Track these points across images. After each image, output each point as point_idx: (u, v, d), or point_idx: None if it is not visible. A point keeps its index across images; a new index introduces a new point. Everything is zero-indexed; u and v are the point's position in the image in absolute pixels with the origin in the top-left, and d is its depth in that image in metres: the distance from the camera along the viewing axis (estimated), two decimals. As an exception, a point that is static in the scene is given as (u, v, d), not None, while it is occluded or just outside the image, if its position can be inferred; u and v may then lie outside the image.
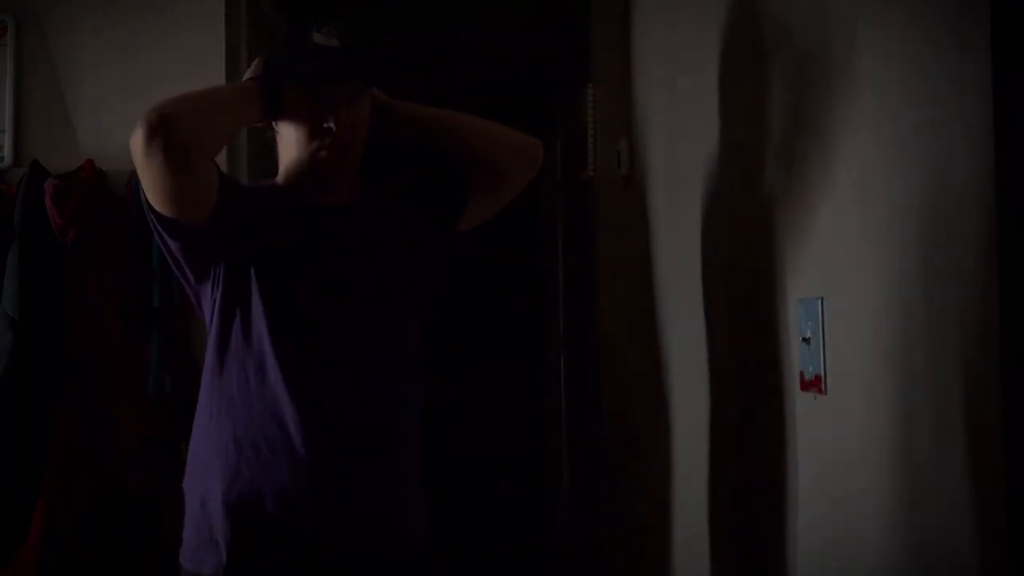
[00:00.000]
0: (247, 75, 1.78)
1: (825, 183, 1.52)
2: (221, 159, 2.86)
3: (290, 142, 1.76)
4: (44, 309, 2.63)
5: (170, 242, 1.64)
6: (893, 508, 1.33)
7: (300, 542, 1.66)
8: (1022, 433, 1.05)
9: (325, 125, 1.73)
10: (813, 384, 1.56)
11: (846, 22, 1.42)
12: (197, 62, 2.89)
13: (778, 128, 1.71)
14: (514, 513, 5.88)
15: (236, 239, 1.67)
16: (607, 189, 3.06)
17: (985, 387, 1.08)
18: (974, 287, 1.10)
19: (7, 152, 2.85)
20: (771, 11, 1.74)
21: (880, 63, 1.32)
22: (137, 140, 1.58)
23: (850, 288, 1.44)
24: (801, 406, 1.61)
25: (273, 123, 1.78)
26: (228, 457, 1.67)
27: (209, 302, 1.71)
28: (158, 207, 1.60)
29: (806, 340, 1.58)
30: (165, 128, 1.55)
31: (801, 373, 1.60)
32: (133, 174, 2.77)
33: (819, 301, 1.53)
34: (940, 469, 1.19)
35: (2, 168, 2.84)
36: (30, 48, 2.89)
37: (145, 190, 1.62)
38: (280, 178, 1.80)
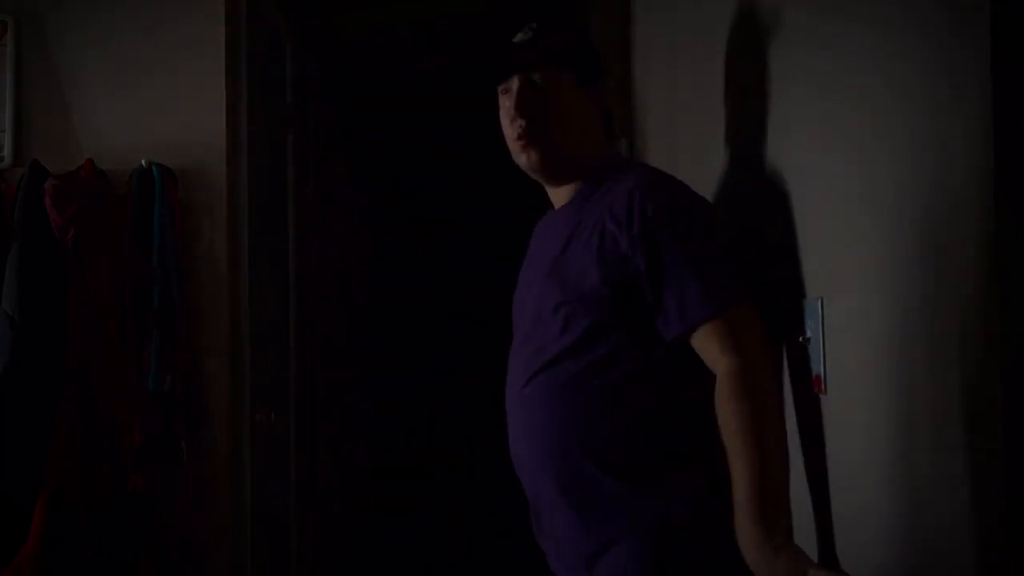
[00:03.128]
0: None
1: (826, 183, 1.52)
2: (220, 157, 2.86)
3: None
4: (44, 309, 2.63)
5: None
6: (893, 507, 1.33)
7: None
8: (1022, 433, 1.05)
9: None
10: (813, 384, 1.56)
11: (847, 23, 1.42)
12: (197, 61, 2.89)
13: (778, 129, 1.72)
14: (517, 507, 5.87)
15: None
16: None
17: (985, 387, 1.08)
18: (974, 287, 1.10)
19: (7, 152, 2.85)
20: (772, 12, 1.74)
21: (880, 63, 1.32)
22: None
23: (850, 288, 1.44)
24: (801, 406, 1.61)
25: None
26: None
27: None
28: None
29: (806, 340, 1.58)
30: None
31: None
32: (133, 173, 2.77)
33: (819, 301, 1.53)
34: (940, 468, 1.19)
35: (2, 168, 2.84)
36: (30, 48, 2.89)
37: None
38: None
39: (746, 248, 1.79)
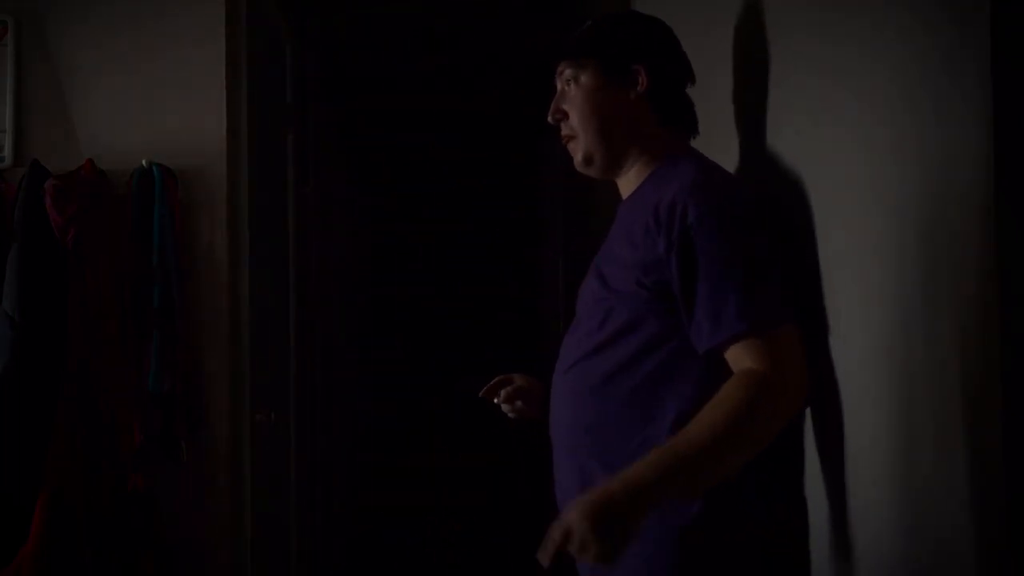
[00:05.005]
0: None
1: (825, 183, 1.52)
2: (220, 157, 2.86)
3: None
4: (44, 309, 2.63)
5: None
6: (893, 506, 1.33)
7: None
8: (1022, 433, 1.05)
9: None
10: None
11: (846, 22, 1.42)
12: (197, 61, 2.89)
13: (777, 129, 1.72)
14: (517, 507, 5.87)
15: None
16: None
17: (985, 387, 1.08)
18: (974, 287, 1.10)
19: (7, 152, 2.85)
20: (771, 13, 1.74)
21: (880, 63, 1.32)
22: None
23: (850, 288, 1.44)
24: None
25: None
26: None
27: None
28: None
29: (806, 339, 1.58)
30: None
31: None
32: (133, 174, 2.77)
33: (819, 301, 1.53)
34: (940, 468, 1.19)
35: (2, 168, 2.83)
36: (30, 48, 2.89)
37: None
38: None
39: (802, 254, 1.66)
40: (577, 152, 1.74)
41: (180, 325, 2.75)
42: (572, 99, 1.72)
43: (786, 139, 1.68)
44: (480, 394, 2.01)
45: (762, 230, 1.56)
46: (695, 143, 1.78)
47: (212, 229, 2.87)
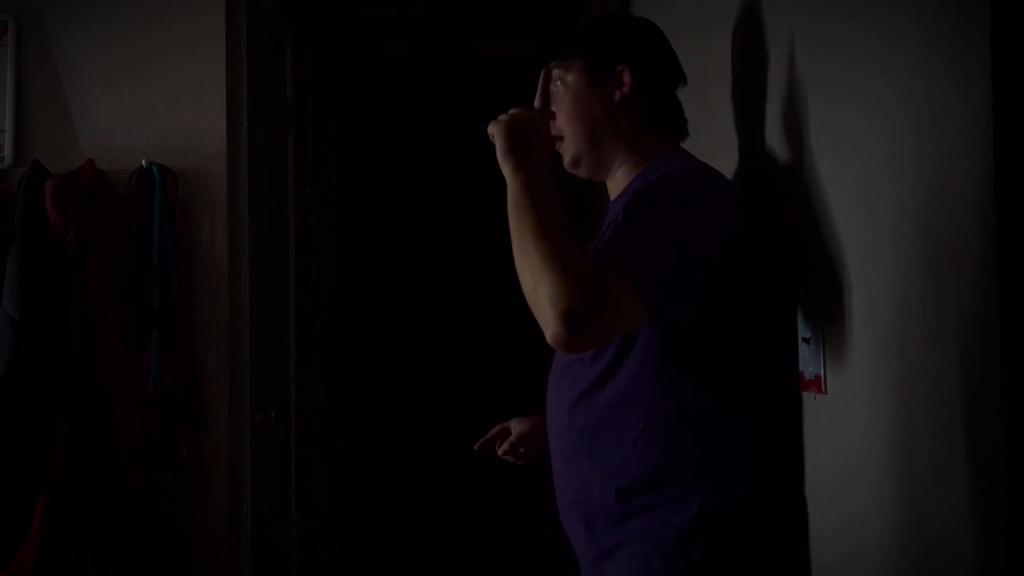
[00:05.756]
0: None
1: (825, 183, 1.52)
2: (220, 157, 2.86)
3: None
4: (44, 309, 2.63)
5: None
6: (893, 506, 1.33)
7: None
8: (1022, 433, 1.05)
9: None
10: (813, 384, 1.56)
11: (845, 23, 1.42)
12: (197, 61, 2.89)
13: (777, 129, 1.72)
14: (517, 507, 5.87)
15: None
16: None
17: (985, 387, 1.08)
18: (974, 287, 1.10)
19: (7, 152, 2.85)
20: (770, 13, 1.74)
21: (879, 63, 1.32)
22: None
23: (850, 287, 1.44)
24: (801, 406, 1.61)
25: None
26: None
27: None
28: None
29: (806, 340, 1.58)
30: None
31: (801, 373, 1.60)
32: (133, 174, 2.77)
33: (819, 301, 1.53)
34: (940, 468, 1.19)
35: (2, 168, 2.84)
36: (30, 48, 2.89)
37: None
38: None
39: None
40: (566, 153, 1.73)
41: (180, 325, 2.76)
42: (560, 99, 1.71)
43: (785, 140, 1.68)
44: (476, 447, 2.02)
45: (690, 218, 1.53)
46: (693, 146, 1.78)
47: (212, 229, 2.87)
